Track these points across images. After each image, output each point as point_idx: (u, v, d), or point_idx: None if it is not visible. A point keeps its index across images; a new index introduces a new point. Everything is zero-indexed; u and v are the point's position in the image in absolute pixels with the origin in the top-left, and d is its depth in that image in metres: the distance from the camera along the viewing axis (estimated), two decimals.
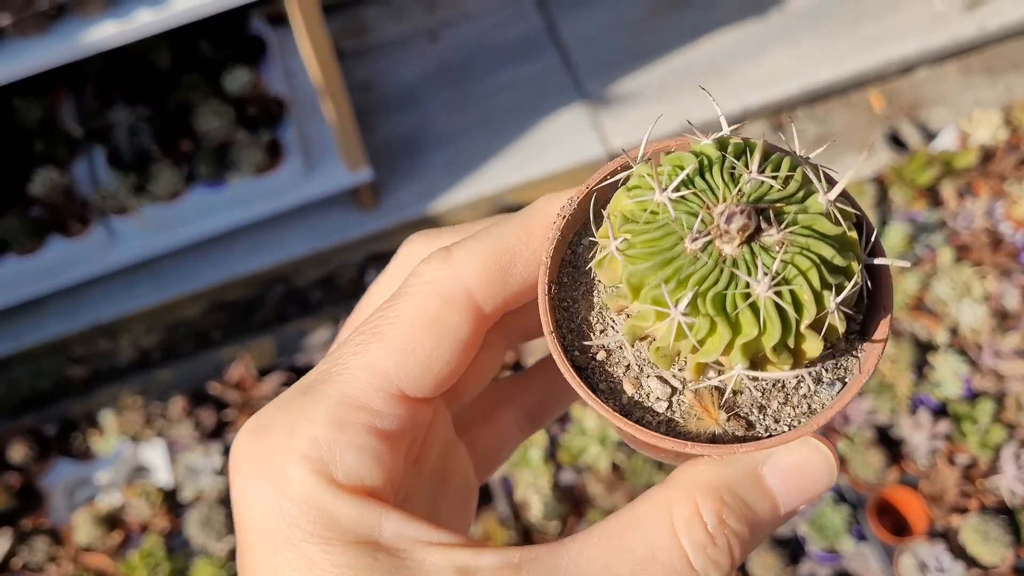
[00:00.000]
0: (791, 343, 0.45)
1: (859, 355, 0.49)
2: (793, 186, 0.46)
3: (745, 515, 0.47)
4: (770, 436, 0.48)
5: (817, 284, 0.43)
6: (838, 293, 0.44)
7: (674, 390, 0.48)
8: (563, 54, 3.14)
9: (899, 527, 2.20)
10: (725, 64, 3.06)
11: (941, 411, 2.29)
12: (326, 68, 2.42)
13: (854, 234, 0.46)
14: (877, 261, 0.47)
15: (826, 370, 0.49)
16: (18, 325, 2.75)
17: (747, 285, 0.43)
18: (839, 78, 3.03)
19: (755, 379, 0.47)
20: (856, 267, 0.45)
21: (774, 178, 0.46)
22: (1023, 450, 2.19)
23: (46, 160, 2.69)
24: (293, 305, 2.83)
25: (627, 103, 3.01)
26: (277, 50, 2.92)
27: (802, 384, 0.48)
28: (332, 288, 2.85)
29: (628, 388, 0.48)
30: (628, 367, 0.49)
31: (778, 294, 0.43)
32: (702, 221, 0.45)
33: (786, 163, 0.46)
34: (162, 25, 2.17)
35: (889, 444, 2.27)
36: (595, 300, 0.51)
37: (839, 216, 0.45)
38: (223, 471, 2.35)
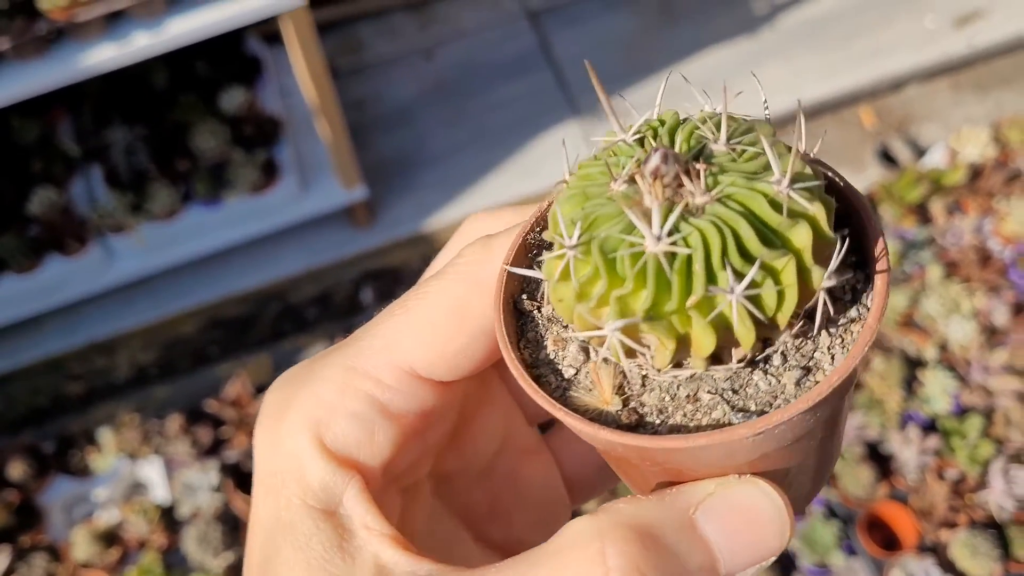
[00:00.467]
0: (676, 322, 0.40)
1: (798, 393, 0.42)
2: (753, 164, 0.41)
3: (670, 567, 0.38)
4: (655, 434, 0.41)
5: (717, 259, 0.39)
6: (745, 284, 0.39)
7: (588, 360, 0.45)
8: (556, 71, 3.17)
9: (889, 542, 2.22)
10: (717, 81, 3.09)
11: (930, 427, 2.31)
12: (321, 87, 2.45)
13: (804, 236, 0.40)
14: (826, 283, 0.40)
15: (756, 403, 0.42)
16: (16, 343, 2.77)
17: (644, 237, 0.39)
18: (831, 94, 3.06)
19: (632, 354, 0.42)
20: (781, 265, 0.39)
21: (742, 152, 0.42)
22: (1011, 465, 2.21)
23: (44, 179, 2.72)
24: (289, 322, 2.85)
25: (621, 120, 3.04)
26: (273, 69, 2.95)
27: (717, 407, 0.42)
28: (328, 305, 2.87)
29: (550, 345, 0.45)
30: (566, 327, 0.46)
31: (672, 256, 0.39)
32: (637, 161, 0.42)
33: (766, 146, 0.42)
34: (159, 48, 2.19)
35: (879, 459, 2.29)
36: None
37: (794, 209, 0.40)
38: (220, 488, 2.37)
